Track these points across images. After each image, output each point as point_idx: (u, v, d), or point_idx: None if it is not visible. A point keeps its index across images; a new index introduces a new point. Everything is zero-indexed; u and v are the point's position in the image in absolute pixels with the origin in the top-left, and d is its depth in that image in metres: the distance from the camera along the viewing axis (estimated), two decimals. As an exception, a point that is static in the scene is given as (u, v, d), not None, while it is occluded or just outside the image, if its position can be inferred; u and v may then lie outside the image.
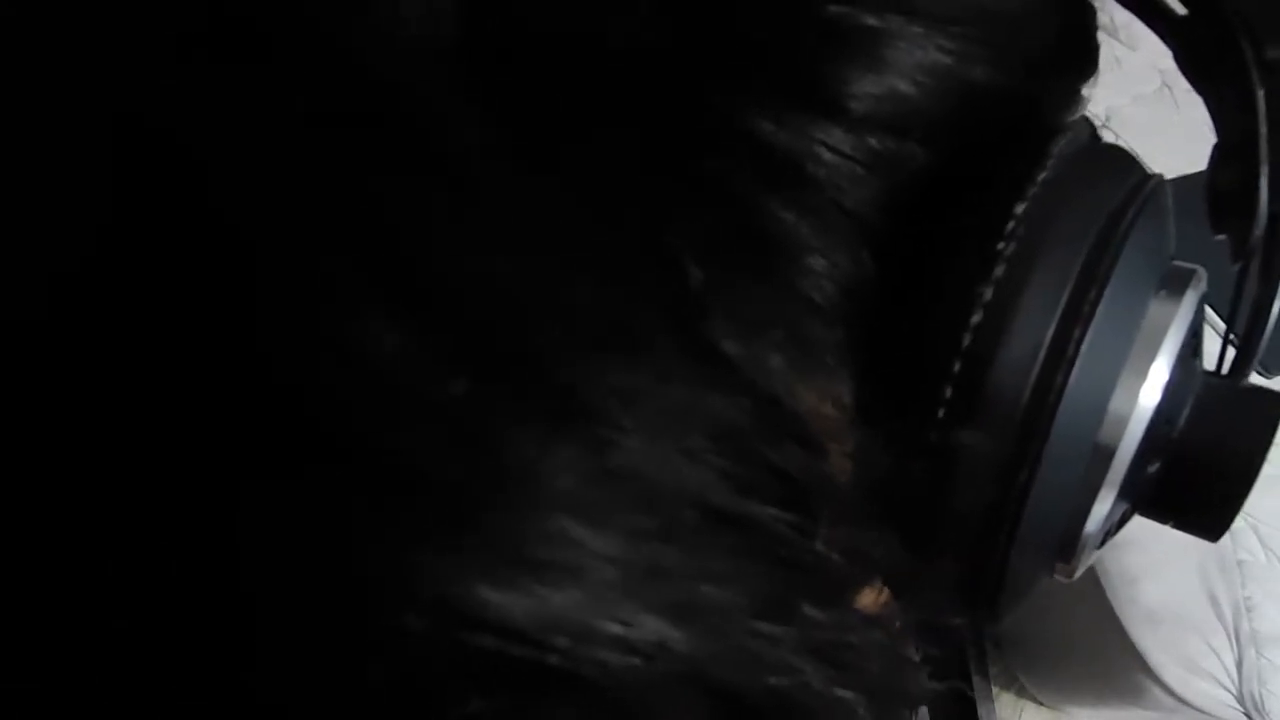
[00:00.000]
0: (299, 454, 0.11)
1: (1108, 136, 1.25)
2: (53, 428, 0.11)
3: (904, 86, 0.15)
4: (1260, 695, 0.91)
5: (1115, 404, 0.17)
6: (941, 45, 0.15)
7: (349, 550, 0.11)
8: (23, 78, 0.12)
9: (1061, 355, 0.16)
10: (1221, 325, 0.21)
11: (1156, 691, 0.94)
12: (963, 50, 0.16)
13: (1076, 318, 0.16)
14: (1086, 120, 0.18)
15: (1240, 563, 0.96)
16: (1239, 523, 0.99)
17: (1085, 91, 0.19)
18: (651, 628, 0.11)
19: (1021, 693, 1.15)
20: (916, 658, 0.16)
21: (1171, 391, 0.17)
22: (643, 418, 0.12)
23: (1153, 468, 0.18)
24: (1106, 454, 0.17)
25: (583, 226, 0.13)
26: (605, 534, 0.11)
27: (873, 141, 0.15)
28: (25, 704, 0.11)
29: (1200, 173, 0.19)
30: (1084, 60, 0.19)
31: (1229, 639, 0.93)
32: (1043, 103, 0.18)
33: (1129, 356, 0.17)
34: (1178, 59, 0.19)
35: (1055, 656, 1.10)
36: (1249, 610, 0.94)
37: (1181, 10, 0.19)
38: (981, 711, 1.11)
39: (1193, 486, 0.18)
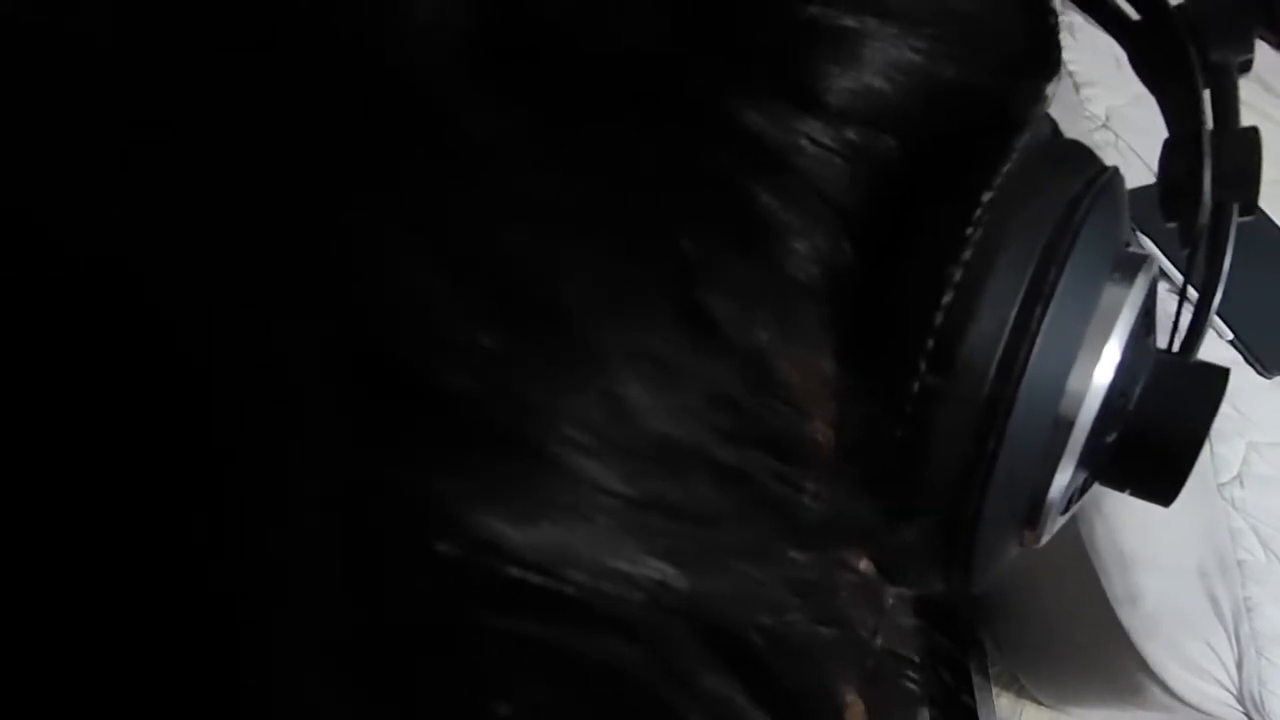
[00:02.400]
0: (342, 385, 0.12)
1: (1108, 136, 1.25)
2: (97, 381, 0.12)
3: (878, 83, 0.16)
4: (1260, 695, 0.91)
5: (1074, 378, 0.18)
6: (913, 45, 0.17)
7: (385, 476, 0.12)
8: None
9: (1025, 332, 0.17)
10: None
11: (1156, 691, 0.94)
12: (933, 50, 0.17)
13: (1038, 297, 0.17)
14: (1048, 117, 0.20)
15: (1240, 563, 0.96)
16: (1239, 522, 0.99)
17: (1048, 90, 0.20)
18: (654, 566, 0.13)
19: (1021, 693, 1.15)
20: (894, 608, 0.17)
21: (1125, 367, 0.18)
22: (645, 374, 0.13)
23: (1110, 438, 0.19)
24: (1067, 425, 0.18)
25: (588, 205, 0.14)
26: (612, 478, 0.13)
27: (850, 134, 0.16)
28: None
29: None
30: (1046, 61, 0.20)
31: (1229, 639, 0.93)
32: (1008, 100, 0.19)
33: (1086, 335, 0.18)
34: (1131, 61, 0.21)
35: (1055, 656, 1.11)
36: (1249, 610, 0.94)
37: (1135, 15, 0.20)
38: (981, 712, 1.11)
39: (1146, 455, 0.20)
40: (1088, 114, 1.24)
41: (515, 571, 0.12)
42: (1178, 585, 0.94)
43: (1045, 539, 0.21)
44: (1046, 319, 0.17)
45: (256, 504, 0.12)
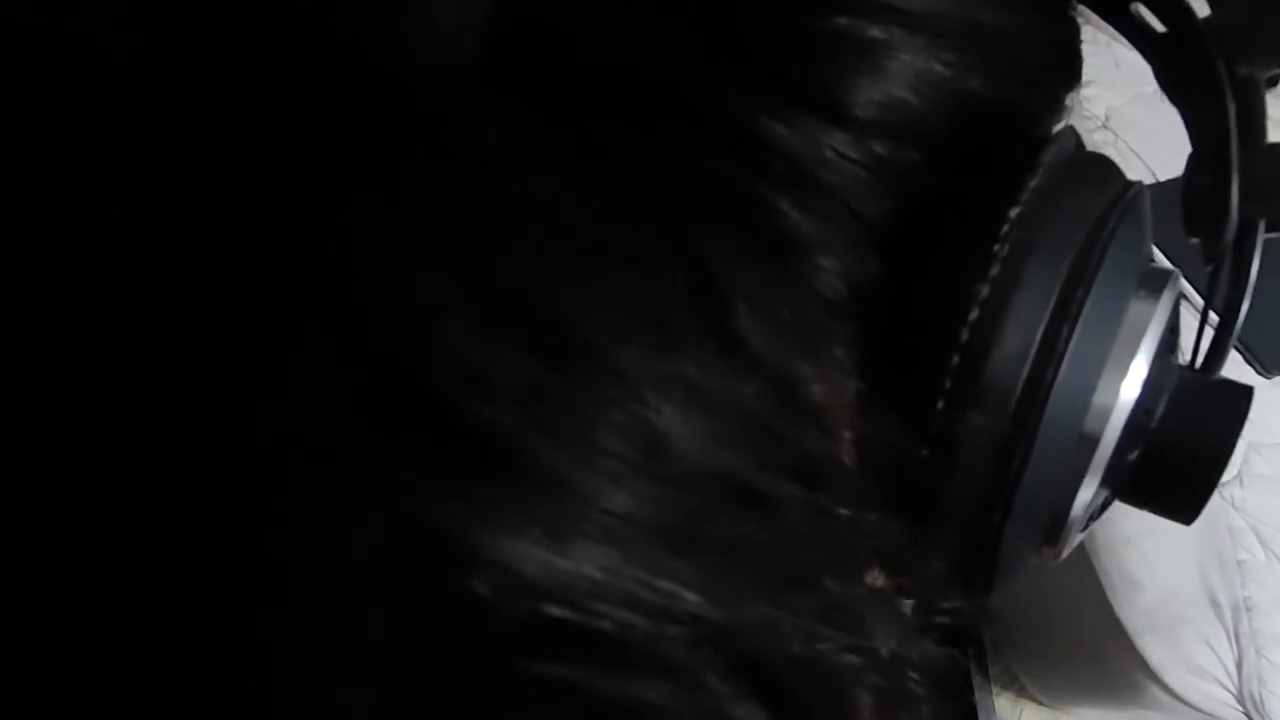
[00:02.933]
0: (350, 404, 0.12)
1: (1107, 136, 1.25)
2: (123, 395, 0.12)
3: (905, 95, 0.16)
4: (1260, 695, 0.91)
5: (1099, 396, 0.18)
6: (940, 57, 0.16)
7: (416, 514, 0.12)
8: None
9: (1051, 351, 0.17)
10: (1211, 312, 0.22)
11: (1156, 692, 0.94)
12: (960, 62, 0.17)
13: (1065, 316, 0.17)
14: (1072, 130, 0.19)
15: (1240, 563, 0.96)
16: (1239, 522, 0.99)
17: (1068, 101, 0.20)
18: (687, 598, 0.12)
19: (1021, 693, 1.16)
20: (919, 627, 0.17)
21: (1150, 385, 0.18)
22: (677, 400, 0.13)
23: (1132, 456, 0.19)
24: (1091, 443, 0.18)
25: (615, 225, 0.14)
26: (646, 509, 0.12)
27: (877, 147, 0.16)
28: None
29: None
30: (1068, 73, 0.20)
31: (1229, 639, 0.93)
32: (1031, 112, 0.19)
33: (1112, 352, 0.18)
34: (1156, 74, 0.20)
35: (1055, 656, 1.11)
36: (1249, 610, 0.94)
37: (1160, 28, 0.20)
38: (981, 712, 1.11)
39: (1168, 474, 0.20)
40: (1088, 114, 1.24)
41: (546, 608, 0.12)
42: (1177, 585, 0.94)
43: (1064, 554, 0.21)
44: (1073, 338, 0.17)
45: (262, 527, 0.12)
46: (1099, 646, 0.98)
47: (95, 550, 0.12)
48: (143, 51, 0.13)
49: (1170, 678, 0.92)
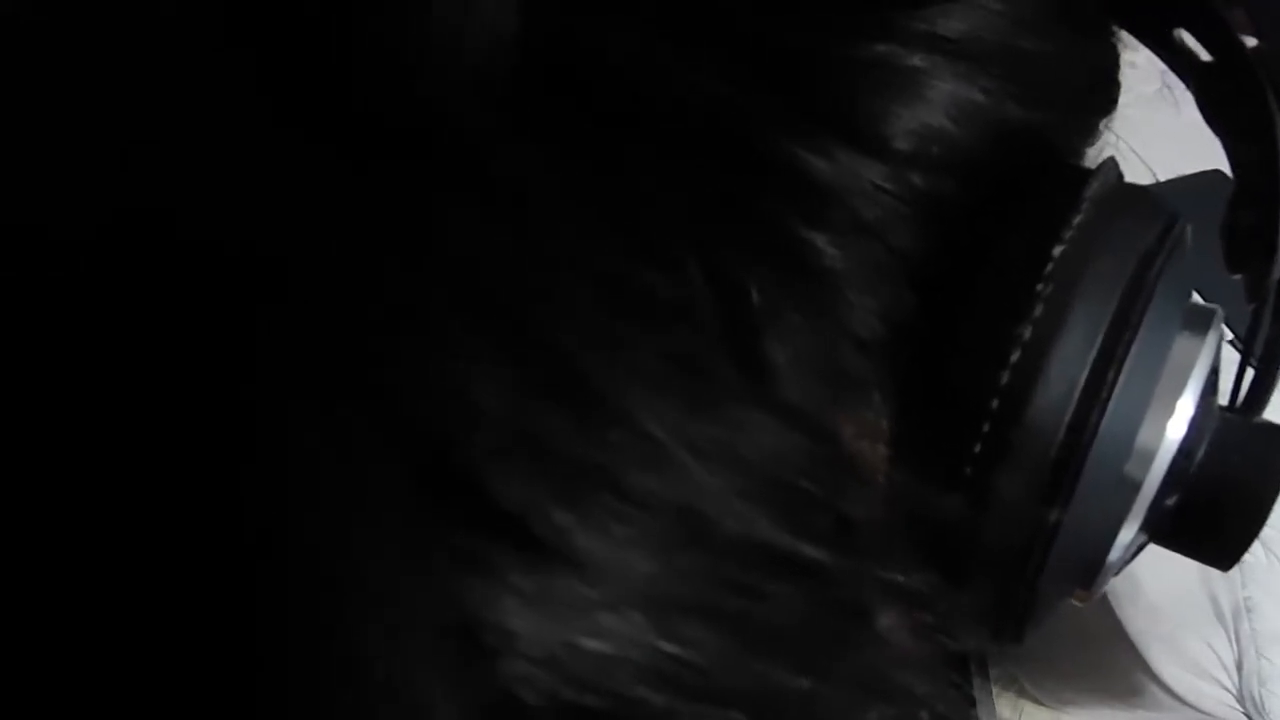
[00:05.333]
0: (408, 505, 0.11)
1: (1108, 137, 1.25)
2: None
3: (945, 124, 0.16)
4: (1260, 695, 0.91)
5: (1143, 439, 0.17)
6: (980, 85, 0.16)
7: (450, 605, 0.11)
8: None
9: (1095, 396, 0.16)
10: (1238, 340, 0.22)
11: (1156, 691, 0.95)
12: (1000, 89, 0.16)
13: (1110, 359, 0.16)
14: (1113, 162, 0.19)
15: (1240, 563, 0.96)
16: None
17: (1103, 126, 0.20)
18: (730, 678, 0.12)
19: (1021, 693, 1.15)
20: (955, 687, 0.16)
21: (1193, 427, 0.18)
22: (711, 462, 0.12)
23: (1171, 500, 0.19)
24: (1133, 487, 0.17)
25: (646, 268, 0.13)
26: (681, 582, 0.12)
27: (915, 179, 0.16)
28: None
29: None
30: (1106, 99, 0.20)
31: (1229, 639, 0.93)
32: (1068, 139, 0.19)
33: (1156, 393, 0.17)
34: (1199, 103, 0.20)
35: (1055, 656, 1.11)
36: (1249, 610, 0.94)
37: (1205, 56, 0.20)
38: (981, 712, 1.11)
39: (1208, 519, 0.19)
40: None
41: (584, 700, 0.11)
42: (1177, 585, 0.94)
43: (1095, 597, 0.20)
44: (1119, 381, 0.16)
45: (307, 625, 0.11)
46: (1099, 646, 0.98)
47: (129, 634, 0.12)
48: (151, 72, 0.13)
49: (1170, 678, 0.92)
